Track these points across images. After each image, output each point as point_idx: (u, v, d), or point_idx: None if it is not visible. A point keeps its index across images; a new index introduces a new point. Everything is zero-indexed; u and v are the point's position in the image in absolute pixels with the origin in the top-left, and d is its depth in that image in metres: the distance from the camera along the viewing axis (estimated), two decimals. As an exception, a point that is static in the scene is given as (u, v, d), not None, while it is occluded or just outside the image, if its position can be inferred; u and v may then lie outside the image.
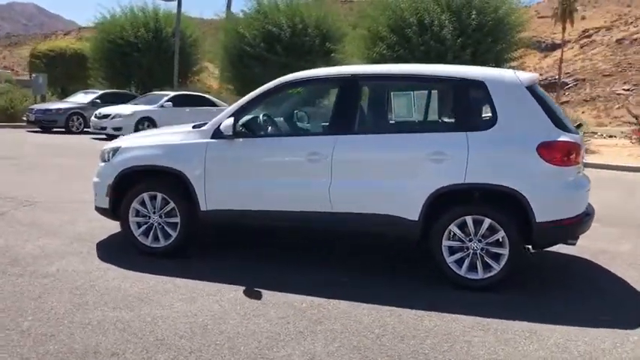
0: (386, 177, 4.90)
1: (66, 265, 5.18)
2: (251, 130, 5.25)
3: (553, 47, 66.92)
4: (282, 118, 5.94)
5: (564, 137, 4.70)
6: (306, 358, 3.57)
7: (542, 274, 5.45)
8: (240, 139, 5.16)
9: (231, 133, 5.08)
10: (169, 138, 5.53)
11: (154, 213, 5.45)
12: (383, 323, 4.11)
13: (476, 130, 4.79)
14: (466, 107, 4.91)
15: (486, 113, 4.87)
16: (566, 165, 4.68)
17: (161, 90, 25.40)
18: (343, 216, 5.00)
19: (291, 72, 5.18)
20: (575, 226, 4.76)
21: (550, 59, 65.31)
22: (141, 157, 5.46)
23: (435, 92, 5.37)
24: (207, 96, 21.51)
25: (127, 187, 5.52)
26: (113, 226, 6.40)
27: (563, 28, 57.46)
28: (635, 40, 53.00)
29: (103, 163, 5.72)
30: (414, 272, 5.30)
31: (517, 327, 4.10)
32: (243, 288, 4.70)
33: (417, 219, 4.83)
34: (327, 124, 5.21)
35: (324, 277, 5.06)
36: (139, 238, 5.51)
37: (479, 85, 4.86)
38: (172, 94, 20.18)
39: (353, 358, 3.58)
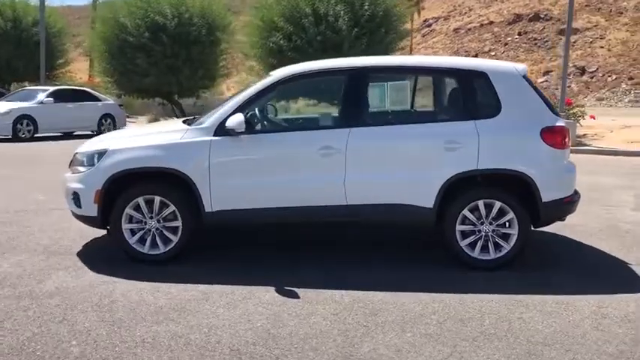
0: (400, 167, 5.00)
1: (61, 282, 4.70)
2: (257, 126, 5.09)
3: (398, 36, 70.61)
4: (288, 112, 5.80)
5: (560, 122, 5.10)
6: (393, 350, 3.59)
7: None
8: (248, 136, 4.98)
9: (243, 130, 4.89)
10: (164, 137, 5.18)
11: (151, 218, 5.11)
12: (433, 310, 4.22)
13: (483, 118, 5.04)
14: (472, 97, 5.14)
15: (489, 102, 5.11)
16: (563, 148, 5.08)
17: (22, 84, 23.31)
18: (358, 208, 5.03)
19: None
20: (570, 204, 5.19)
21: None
22: (136, 158, 5.07)
23: (441, 83, 5.53)
24: (89, 90, 20.14)
25: (117, 192, 5.12)
26: (78, 235, 5.96)
27: (412, 19, 61.23)
28: (470, 29, 57.31)
29: (84, 168, 5.23)
30: (419, 257, 5.47)
31: (550, 300, 4.40)
32: (273, 288, 4.58)
33: (431, 206, 4.99)
34: (339, 116, 5.17)
35: (338, 271, 5.05)
36: (134, 246, 5.13)
37: (481, 75, 5.11)
38: (52, 88, 18.63)
39: (436, 345, 3.66)
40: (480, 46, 51.71)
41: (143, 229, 5.13)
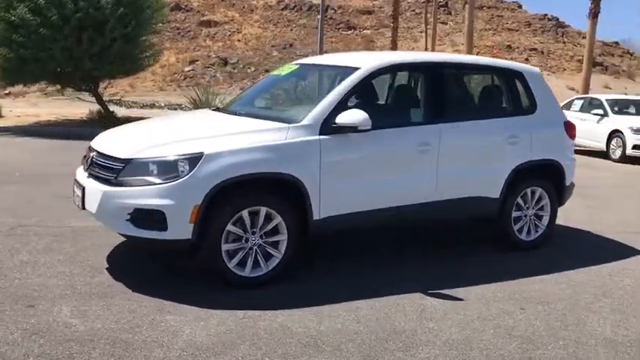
0: (479, 161, 5.25)
1: (193, 330, 3.65)
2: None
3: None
4: (378, 106, 5.31)
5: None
6: (607, 345, 3.84)
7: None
8: (358, 134, 4.53)
9: (370, 127, 4.44)
10: (266, 137, 4.31)
11: (254, 233, 4.26)
12: (558, 297, 4.53)
13: (528, 114, 5.62)
14: (518, 94, 5.63)
15: (528, 99, 5.67)
16: (574, 139, 5.99)
17: None
18: (445, 203, 5.10)
19: None
20: (573, 187, 6.10)
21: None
22: (245, 163, 4.14)
23: (495, 81, 5.76)
24: None
25: (214, 206, 4.12)
26: (69, 269, 4.61)
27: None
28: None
29: (159, 179, 4.02)
30: (459, 252, 5.77)
31: (609, 270, 5.21)
32: (418, 294, 4.36)
33: (498, 196, 5.36)
34: (428, 111, 5.06)
35: (426, 273, 4.97)
36: (234, 269, 4.22)
37: (520, 75, 5.65)
38: None
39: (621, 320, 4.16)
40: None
41: (243, 248, 4.25)
